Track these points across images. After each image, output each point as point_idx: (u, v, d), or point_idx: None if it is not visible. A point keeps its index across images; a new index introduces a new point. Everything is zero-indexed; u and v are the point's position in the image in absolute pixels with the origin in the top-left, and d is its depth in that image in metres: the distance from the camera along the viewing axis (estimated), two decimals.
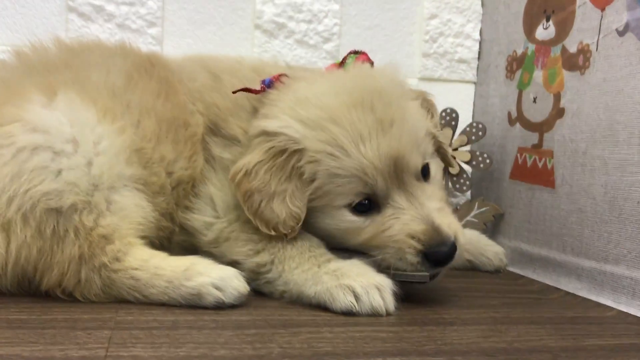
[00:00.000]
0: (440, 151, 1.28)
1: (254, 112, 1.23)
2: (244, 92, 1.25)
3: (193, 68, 1.35)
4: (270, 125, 1.15)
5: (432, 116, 1.28)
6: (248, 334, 0.93)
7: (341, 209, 1.14)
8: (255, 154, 1.14)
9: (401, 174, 1.13)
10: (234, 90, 1.25)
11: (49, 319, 0.95)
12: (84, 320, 0.95)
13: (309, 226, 1.17)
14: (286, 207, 1.12)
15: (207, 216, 1.20)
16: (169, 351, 0.84)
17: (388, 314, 1.06)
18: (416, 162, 1.15)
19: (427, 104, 1.28)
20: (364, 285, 1.06)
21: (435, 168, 1.23)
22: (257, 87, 1.24)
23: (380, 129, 1.12)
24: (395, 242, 1.10)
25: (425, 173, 1.19)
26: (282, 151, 1.13)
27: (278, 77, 1.24)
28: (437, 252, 1.09)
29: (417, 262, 1.10)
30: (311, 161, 1.12)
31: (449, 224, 1.12)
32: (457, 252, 1.11)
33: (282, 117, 1.15)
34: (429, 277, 1.12)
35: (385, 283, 1.08)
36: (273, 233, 1.13)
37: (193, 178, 1.24)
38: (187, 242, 1.23)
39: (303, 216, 1.13)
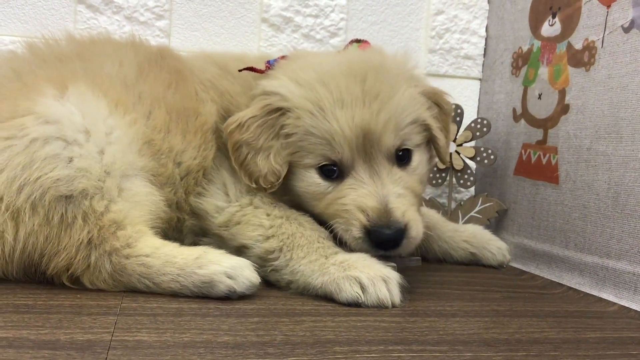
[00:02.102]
0: (434, 144, 1.27)
1: None
2: (251, 75, 1.28)
3: (201, 63, 1.37)
4: (269, 84, 1.21)
5: (440, 111, 1.28)
6: (252, 322, 0.94)
7: (310, 169, 1.18)
8: (251, 109, 1.20)
9: (370, 149, 1.15)
10: (239, 70, 1.30)
11: (55, 305, 0.96)
12: (89, 306, 0.97)
13: (285, 189, 1.21)
14: (269, 163, 1.17)
15: (219, 200, 1.23)
16: (173, 337, 0.85)
17: (394, 306, 1.06)
18: (389, 142, 1.16)
19: (437, 100, 1.28)
20: (370, 277, 1.07)
21: (419, 159, 1.22)
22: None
23: (362, 100, 1.14)
24: (346, 211, 1.13)
25: (404, 159, 1.20)
26: (276, 109, 1.18)
27: (282, 57, 1.29)
28: (380, 231, 1.10)
29: (359, 238, 1.11)
30: (295, 117, 1.16)
31: (404, 211, 1.12)
32: (405, 242, 1.11)
33: (281, 78, 1.20)
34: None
35: (392, 275, 1.08)
36: (254, 185, 1.19)
37: (203, 167, 1.25)
38: (197, 227, 1.25)
39: (284, 173, 1.18)
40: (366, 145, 1.14)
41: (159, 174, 1.18)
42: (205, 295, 1.05)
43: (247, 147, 1.18)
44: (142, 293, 1.06)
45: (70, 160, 1.05)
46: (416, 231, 1.13)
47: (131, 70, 1.23)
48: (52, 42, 1.27)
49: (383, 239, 1.10)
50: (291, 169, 1.20)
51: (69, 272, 1.06)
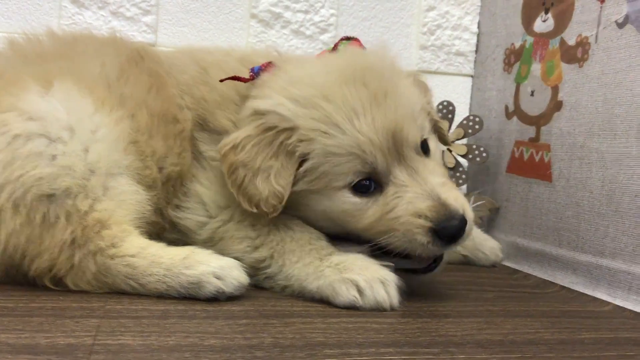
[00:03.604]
0: (436, 128, 1.25)
1: (244, 102, 1.21)
2: (232, 85, 1.23)
3: (183, 61, 1.33)
4: (262, 104, 1.13)
5: (425, 95, 1.26)
6: (240, 324, 0.92)
7: (341, 190, 1.10)
8: (244, 130, 1.13)
9: (401, 148, 1.09)
10: (220, 81, 1.23)
11: (37, 307, 0.94)
12: (72, 309, 0.94)
13: (307, 210, 1.14)
14: (269, 184, 1.09)
15: (200, 216, 1.18)
16: (158, 340, 0.82)
17: (392, 308, 1.04)
18: (415, 135, 1.11)
19: (419, 84, 1.25)
20: (367, 279, 1.04)
21: (434, 144, 1.20)
22: (245, 76, 1.22)
23: (375, 102, 1.09)
24: (402, 224, 1.05)
25: (425, 149, 1.16)
26: (272, 128, 1.11)
27: (267, 65, 1.23)
28: (448, 226, 1.04)
29: (427, 242, 1.04)
30: (303, 139, 1.09)
31: (456, 197, 1.07)
32: (468, 227, 1.06)
33: (274, 96, 1.13)
34: (432, 262, 1.11)
35: (390, 277, 1.05)
36: (255, 210, 1.10)
37: (181, 175, 1.22)
38: (180, 241, 1.19)
39: (286, 196, 1.10)
40: (397, 146, 1.08)
41: (146, 175, 1.16)
42: (192, 297, 1.02)
43: (244, 169, 1.10)
44: (127, 294, 1.03)
45: (54, 157, 1.02)
46: (469, 212, 1.08)
47: (113, 71, 1.20)
48: (34, 38, 1.24)
49: (453, 232, 1.04)
50: (311, 192, 1.12)
51: (52, 273, 1.02)
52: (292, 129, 1.09)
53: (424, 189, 1.07)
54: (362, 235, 1.13)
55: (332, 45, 1.32)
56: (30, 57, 1.20)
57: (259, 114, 1.13)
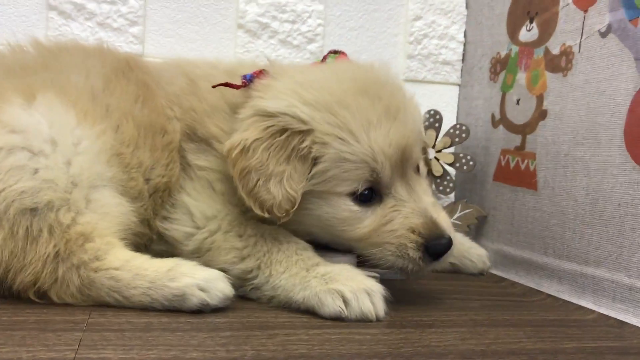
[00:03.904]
0: (423, 150, 1.27)
1: (235, 110, 1.20)
2: (220, 95, 1.23)
3: (171, 72, 1.33)
4: (272, 105, 1.12)
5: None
6: (222, 336, 0.91)
7: (343, 196, 1.11)
8: (251, 131, 1.10)
9: (405, 164, 1.13)
10: (212, 88, 1.23)
11: (20, 320, 0.93)
12: (55, 322, 0.94)
13: (303, 215, 1.14)
14: (283, 189, 1.08)
15: (187, 227, 1.18)
16: (140, 353, 0.82)
17: (378, 319, 1.04)
18: (418, 154, 1.16)
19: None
20: (353, 290, 1.04)
21: (423, 165, 1.23)
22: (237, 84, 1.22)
23: (389, 116, 1.11)
24: (398, 237, 1.09)
25: (417, 168, 1.19)
26: (283, 130, 1.09)
27: (259, 72, 1.22)
28: (437, 244, 1.09)
29: (418, 257, 1.09)
30: (318, 142, 1.09)
31: (444, 218, 1.13)
32: (453, 246, 1.11)
33: (284, 98, 1.12)
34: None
35: (376, 287, 1.06)
36: (267, 215, 1.09)
37: (169, 186, 1.22)
38: (167, 253, 1.19)
39: (299, 200, 1.09)
40: (403, 162, 1.12)
41: (130, 187, 1.16)
42: (177, 309, 1.02)
43: (257, 173, 1.08)
44: (111, 307, 1.02)
45: (36, 171, 1.02)
46: (454, 234, 1.13)
47: (98, 82, 1.20)
48: (18, 49, 1.24)
49: (442, 251, 1.10)
50: (313, 195, 1.12)
51: (36, 286, 1.02)
52: (306, 132, 1.09)
53: (419, 207, 1.11)
54: (354, 247, 1.14)
55: (321, 58, 1.33)
56: (13, 69, 1.19)
57: (266, 115, 1.12)
